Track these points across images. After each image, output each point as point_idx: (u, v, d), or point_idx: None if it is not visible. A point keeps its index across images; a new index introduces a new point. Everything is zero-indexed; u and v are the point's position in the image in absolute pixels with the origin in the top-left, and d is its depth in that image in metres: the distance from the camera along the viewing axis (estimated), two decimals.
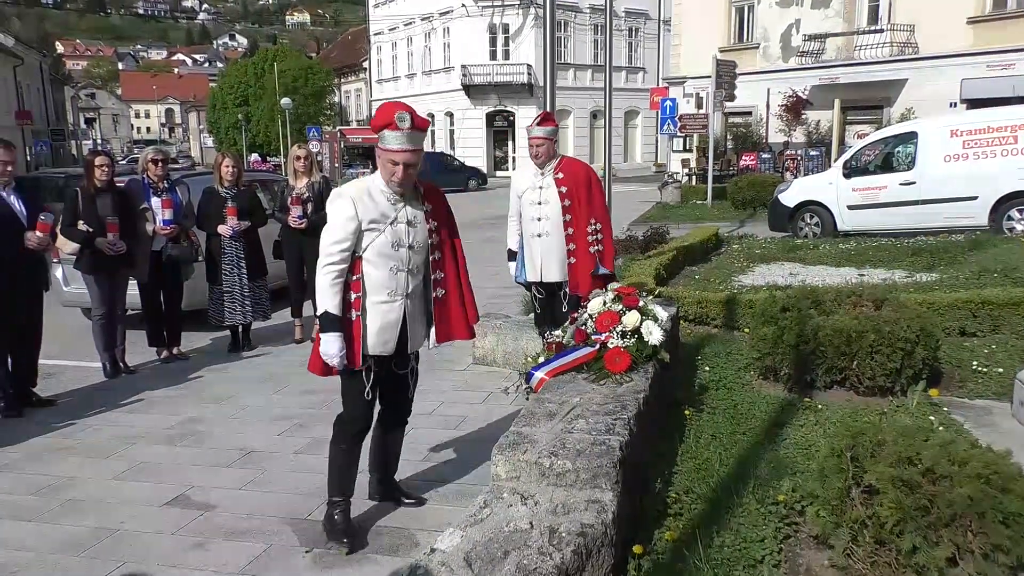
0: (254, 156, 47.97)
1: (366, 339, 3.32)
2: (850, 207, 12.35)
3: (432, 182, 3.68)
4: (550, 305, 5.36)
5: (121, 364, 6.39)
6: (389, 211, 3.30)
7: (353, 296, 3.31)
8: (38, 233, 5.19)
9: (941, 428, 3.80)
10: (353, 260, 3.29)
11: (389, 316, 3.36)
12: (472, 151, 39.50)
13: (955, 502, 2.32)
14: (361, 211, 3.23)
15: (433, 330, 3.56)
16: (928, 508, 2.36)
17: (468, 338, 3.69)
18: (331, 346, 3.26)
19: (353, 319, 3.30)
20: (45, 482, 4.23)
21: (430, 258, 3.47)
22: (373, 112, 46.85)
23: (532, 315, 5.67)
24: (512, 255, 5.48)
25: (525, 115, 36.92)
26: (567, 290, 5.21)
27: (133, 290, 6.50)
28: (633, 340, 3.89)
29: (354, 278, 3.30)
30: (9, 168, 5.33)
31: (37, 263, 5.47)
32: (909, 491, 2.39)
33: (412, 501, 3.83)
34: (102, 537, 3.57)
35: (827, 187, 12.68)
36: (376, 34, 47.74)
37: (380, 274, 3.31)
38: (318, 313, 3.27)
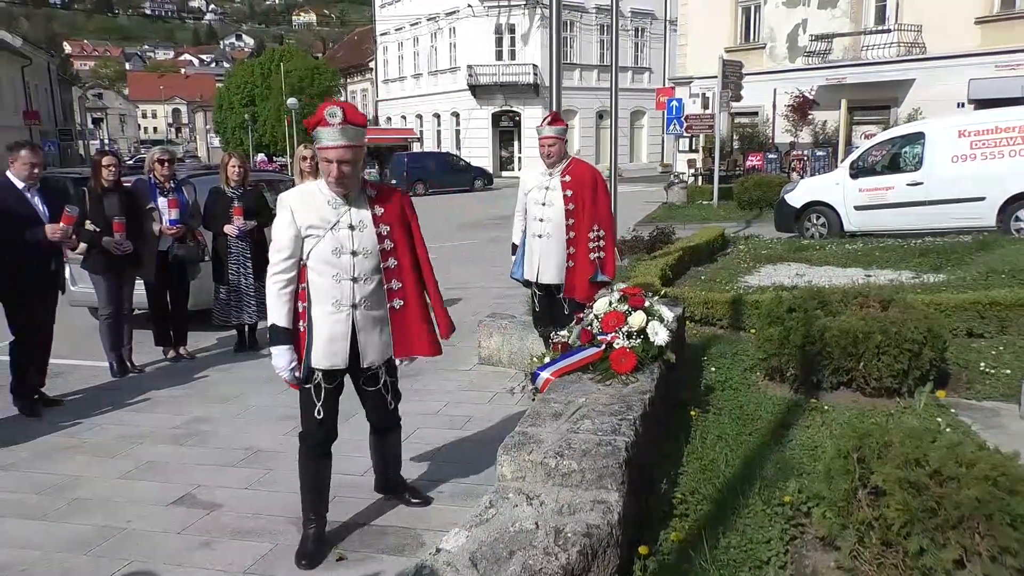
0: (260, 156, 48.06)
1: (310, 351, 3.20)
2: (857, 208, 12.31)
3: (392, 186, 3.58)
4: (548, 305, 5.35)
5: (128, 363, 6.41)
6: (330, 215, 3.14)
7: (301, 306, 3.19)
8: (61, 224, 5.18)
9: (948, 430, 3.79)
10: (300, 268, 3.18)
11: (336, 328, 3.20)
12: (478, 151, 39.50)
13: (962, 504, 2.31)
14: (299, 217, 3.11)
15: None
16: (935, 510, 2.35)
17: (432, 354, 3.41)
18: (279, 359, 3.18)
19: (301, 330, 3.20)
20: (52, 481, 4.25)
21: (382, 265, 3.24)
22: (380, 112, 46.84)
23: (531, 315, 5.67)
24: (515, 250, 5.49)
25: (531, 115, 36.91)
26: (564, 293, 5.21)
27: (140, 290, 6.52)
28: (639, 340, 3.89)
29: (301, 287, 3.19)
30: (36, 170, 5.34)
31: (56, 264, 5.49)
32: (916, 493, 2.38)
33: (418, 501, 3.81)
34: (108, 536, 3.58)
35: (834, 187, 12.65)
36: (382, 34, 47.79)
37: (324, 282, 3.17)
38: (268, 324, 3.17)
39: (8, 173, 5.34)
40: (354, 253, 3.15)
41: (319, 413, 3.31)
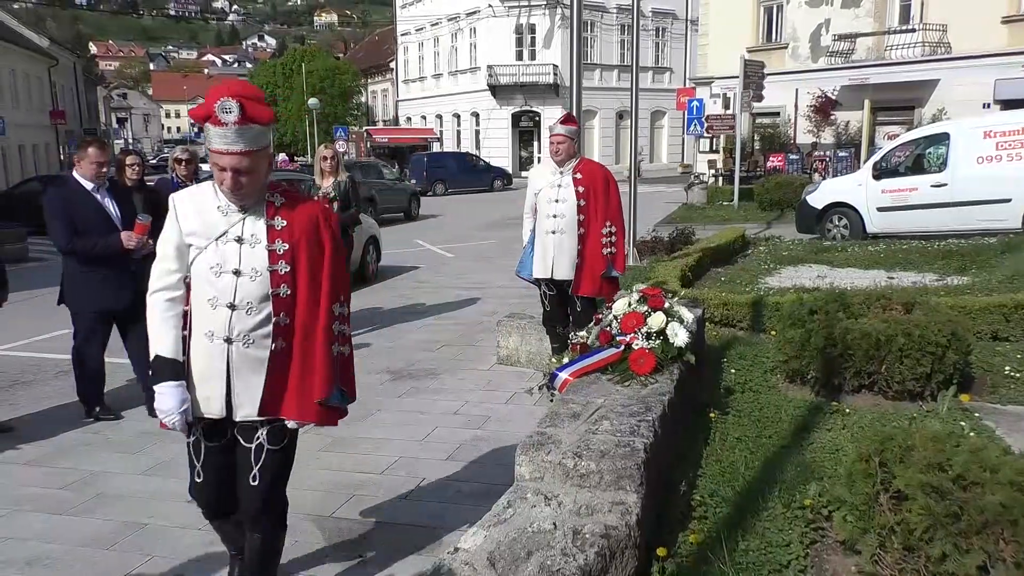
0: (281, 156, 48.37)
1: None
2: (880, 209, 12.18)
3: (310, 197, 2.82)
4: (559, 303, 5.42)
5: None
6: (219, 223, 2.51)
7: (184, 333, 2.59)
8: (135, 234, 4.96)
9: (972, 434, 3.73)
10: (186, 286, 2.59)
11: (212, 364, 2.54)
12: (497, 151, 39.54)
13: (986, 509, 2.28)
14: (183, 221, 2.54)
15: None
16: (959, 515, 2.32)
17: (299, 420, 2.61)
18: (165, 399, 2.52)
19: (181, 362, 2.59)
20: (76, 476, 4.30)
21: (271, 292, 2.52)
22: (400, 112, 47.06)
23: (541, 313, 5.71)
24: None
25: (551, 115, 36.90)
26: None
27: None
28: (658, 342, 3.88)
29: (184, 308, 2.59)
30: (103, 169, 5.05)
31: (137, 272, 5.00)
32: (939, 497, 2.35)
33: None
34: (131, 531, 3.62)
35: (856, 189, 12.53)
36: (403, 34, 47.97)
37: (199, 306, 2.55)
38: (152, 353, 2.55)
39: (75, 173, 5.06)
40: (237, 272, 2.49)
41: (199, 476, 2.68)
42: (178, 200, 2.57)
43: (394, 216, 21.36)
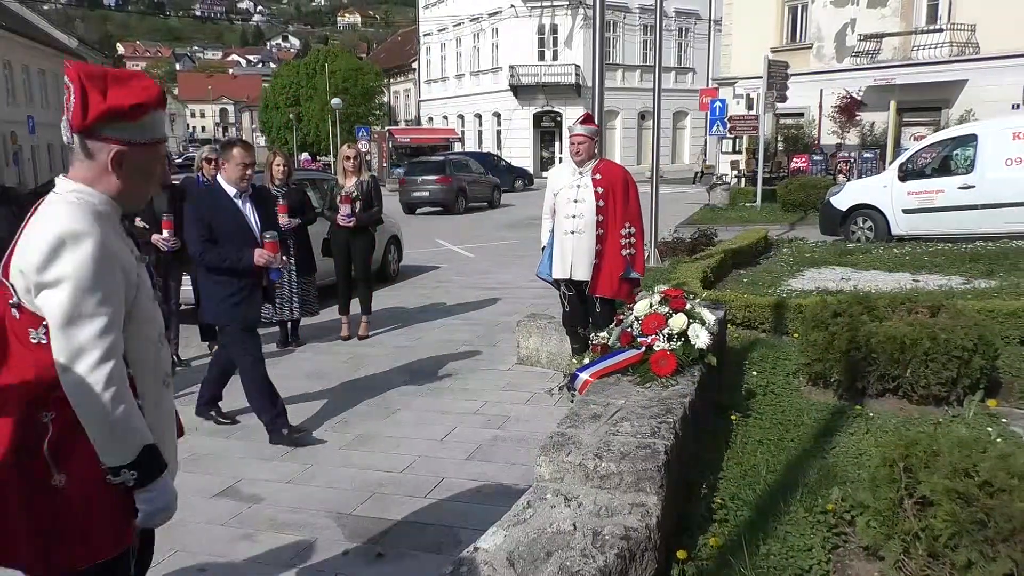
0: (304, 155, 48.73)
1: None
2: (905, 211, 12.04)
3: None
4: (579, 304, 5.41)
5: (175, 357, 6.55)
6: (133, 249, 1.94)
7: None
8: (267, 253, 4.54)
9: (999, 440, 3.68)
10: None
11: (166, 411, 2.07)
12: (519, 151, 39.55)
13: (1014, 516, 2.25)
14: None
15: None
16: (985, 522, 2.29)
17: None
18: (169, 495, 1.92)
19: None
20: None
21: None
22: (422, 112, 47.32)
23: (561, 314, 5.71)
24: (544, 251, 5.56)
25: (572, 116, 36.66)
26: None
27: (186, 286, 6.65)
28: (680, 343, 3.86)
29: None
30: (249, 172, 4.63)
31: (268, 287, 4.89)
32: (965, 504, 2.32)
33: None
34: None
35: (881, 190, 12.38)
36: (425, 35, 48.13)
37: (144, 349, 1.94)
38: (135, 446, 1.79)
39: (218, 177, 4.70)
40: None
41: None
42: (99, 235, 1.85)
43: (480, 205, 24.77)
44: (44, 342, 1.75)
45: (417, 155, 39.27)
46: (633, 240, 5.20)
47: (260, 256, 4.52)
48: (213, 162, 6.62)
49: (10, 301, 1.77)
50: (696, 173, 24.60)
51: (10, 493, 1.76)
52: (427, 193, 23.29)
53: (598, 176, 5.17)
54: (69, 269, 1.69)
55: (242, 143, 4.71)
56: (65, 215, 1.75)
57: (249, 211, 4.68)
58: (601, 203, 5.13)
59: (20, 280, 1.74)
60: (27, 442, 1.76)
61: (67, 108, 1.79)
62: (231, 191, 4.63)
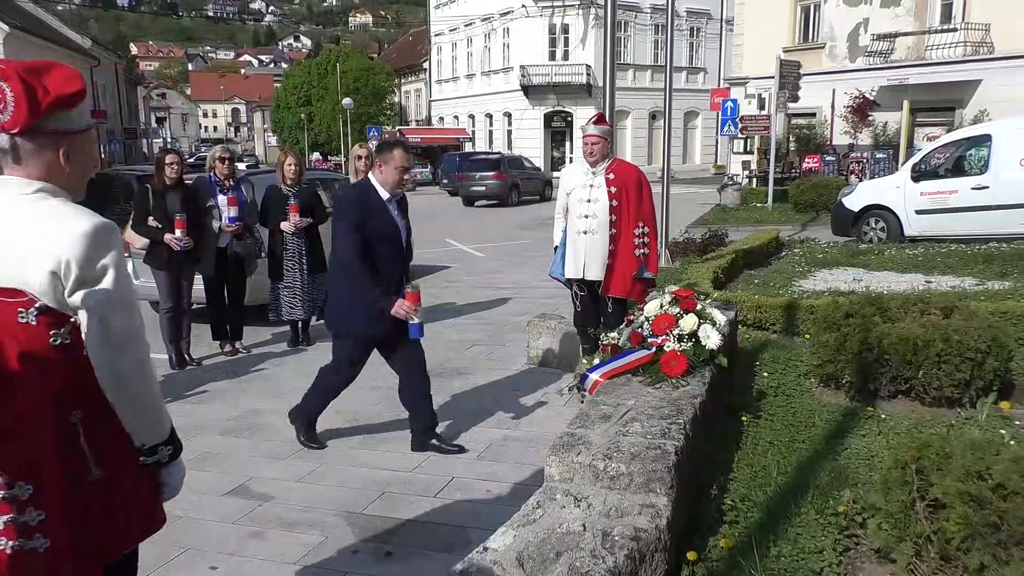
0: (315, 155, 48.91)
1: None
2: (918, 211, 11.97)
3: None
4: (591, 304, 5.40)
5: (186, 356, 6.58)
6: None
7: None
8: (407, 304, 4.19)
9: (1013, 442, 3.65)
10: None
11: None
12: (530, 152, 39.51)
13: None
14: None
15: None
16: (998, 525, 2.27)
17: None
18: (181, 468, 2.04)
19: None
20: None
21: None
22: (432, 112, 47.47)
23: (573, 314, 5.70)
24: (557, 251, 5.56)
25: (583, 116, 36.76)
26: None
27: (198, 285, 6.69)
28: (690, 344, 3.85)
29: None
30: (407, 176, 4.39)
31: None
32: (978, 507, 2.30)
33: None
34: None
35: (894, 191, 12.31)
36: (436, 35, 48.19)
37: None
38: (168, 422, 1.94)
39: (371, 177, 4.35)
40: None
41: None
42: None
43: (532, 198, 27.03)
44: (68, 342, 1.75)
45: (428, 155, 39.55)
46: (647, 240, 5.19)
47: (399, 307, 4.17)
48: (226, 161, 6.65)
49: (25, 311, 1.71)
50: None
51: (65, 494, 1.76)
52: (484, 188, 25.91)
53: (611, 176, 5.16)
54: (110, 258, 1.74)
55: (403, 145, 4.36)
56: (74, 209, 1.77)
57: (398, 218, 4.37)
58: (614, 203, 5.12)
59: (49, 282, 1.69)
60: (67, 445, 1.77)
61: (1, 109, 1.71)
62: (384, 194, 4.29)
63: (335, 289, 4.49)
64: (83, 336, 1.74)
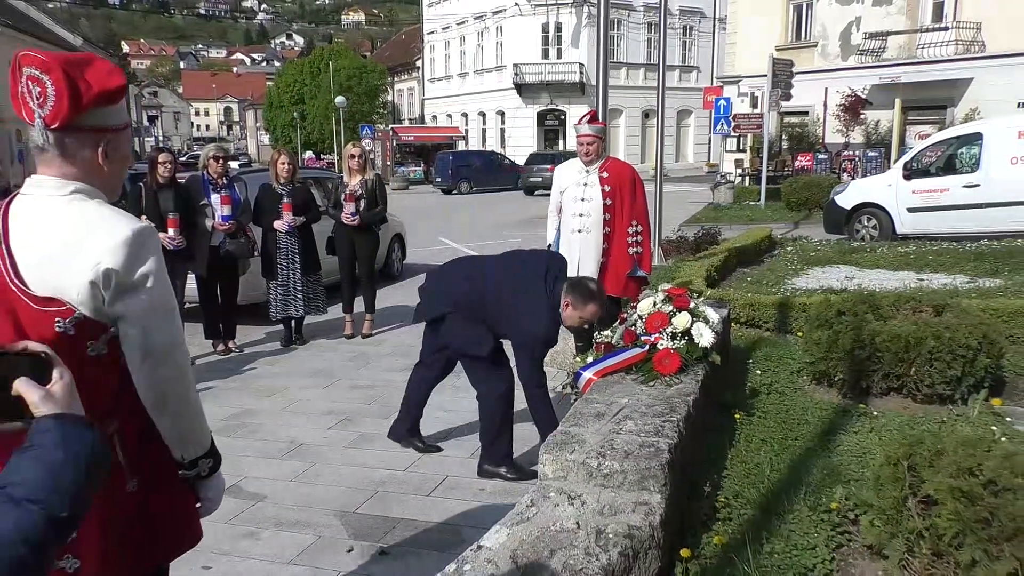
0: (308, 153, 48.76)
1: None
2: (910, 209, 12.02)
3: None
4: None
5: None
6: None
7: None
8: None
9: (1004, 439, 3.67)
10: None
11: None
12: (523, 150, 39.53)
13: (1018, 515, 2.24)
14: None
15: None
16: (989, 521, 2.28)
17: None
18: (221, 481, 2.02)
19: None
20: None
21: None
22: (426, 111, 47.56)
23: None
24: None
25: (576, 114, 36.65)
26: None
27: (191, 284, 6.66)
28: (683, 342, 3.85)
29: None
30: (585, 327, 4.23)
31: None
32: (969, 503, 2.32)
33: None
34: None
35: (886, 189, 12.37)
36: (429, 33, 48.13)
37: None
38: (209, 433, 1.93)
39: (558, 312, 3.98)
40: None
41: None
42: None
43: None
44: (105, 352, 1.67)
45: (421, 153, 39.57)
46: (640, 238, 5.20)
47: None
48: (219, 160, 6.63)
49: (63, 321, 1.61)
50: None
51: (99, 510, 1.64)
52: (541, 179, 28.07)
53: (605, 175, 5.15)
54: (151, 265, 1.66)
55: (600, 304, 4.04)
56: (113, 212, 1.68)
57: None
58: (608, 201, 5.12)
59: (88, 292, 1.60)
60: None
61: (40, 103, 1.61)
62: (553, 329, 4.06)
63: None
64: (122, 346, 1.67)
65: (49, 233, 1.62)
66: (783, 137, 25.90)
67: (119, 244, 1.61)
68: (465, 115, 45.23)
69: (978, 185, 11.27)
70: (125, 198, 6.46)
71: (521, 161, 36.31)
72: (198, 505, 1.92)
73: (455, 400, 5.43)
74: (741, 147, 26.94)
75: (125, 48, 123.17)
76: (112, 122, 1.72)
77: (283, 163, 6.93)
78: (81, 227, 1.62)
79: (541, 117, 40.29)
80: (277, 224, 6.81)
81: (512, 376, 4.14)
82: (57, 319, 1.61)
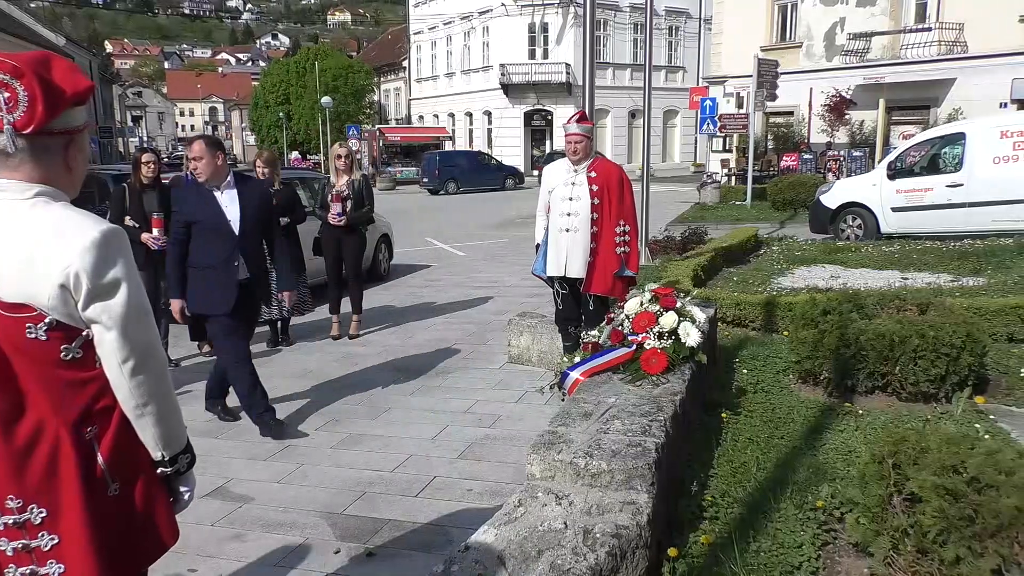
0: (294, 154, 48.58)
1: None
2: (894, 209, 12.10)
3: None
4: (572, 302, 5.41)
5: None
6: None
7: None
8: None
9: (987, 436, 3.70)
10: None
11: None
12: (510, 150, 39.56)
13: (1001, 512, 2.26)
14: None
15: None
16: (973, 518, 2.30)
17: None
18: (193, 477, 2.01)
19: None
20: None
21: None
22: (412, 111, 47.57)
23: (554, 312, 5.71)
24: (539, 249, 5.55)
25: (563, 114, 36.84)
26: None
27: None
28: (670, 341, 3.87)
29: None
30: None
31: None
32: (953, 500, 2.33)
33: None
34: None
35: (870, 189, 12.45)
36: (416, 33, 48.04)
37: None
38: (185, 431, 1.91)
39: None
40: None
41: None
42: None
43: None
44: (80, 356, 1.66)
45: (408, 154, 39.50)
46: (627, 238, 5.20)
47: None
48: None
49: (34, 326, 1.60)
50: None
51: (81, 515, 1.68)
52: None
53: (593, 174, 5.15)
54: (121, 267, 1.63)
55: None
56: (80, 215, 1.65)
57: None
58: (596, 201, 5.12)
59: (59, 296, 1.58)
60: (83, 462, 1.68)
61: (10, 109, 1.57)
62: None
63: None
64: (98, 349, 1.66)
65: (15, 238, 1.59)
66: (768, 137, 26.04)
67: (88, 247, 1.58)
68: (452, 115, 45.18)
69: (961, 185, 11.37)
70: (109, 198, 6.42)
71: (508, 161, 36.41)
72: (172, 500, 1.91)
73: (442, 402, 5.42)
74: (727, 147, 27.07)
75: (109, 48, 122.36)
76: (77, 123, 1.71)
77: (260, 167, 6.90)
78: (48, 231, 1.59)
79: (528, 117, 40.32)
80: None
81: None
82: (28, 324, 1.59)
